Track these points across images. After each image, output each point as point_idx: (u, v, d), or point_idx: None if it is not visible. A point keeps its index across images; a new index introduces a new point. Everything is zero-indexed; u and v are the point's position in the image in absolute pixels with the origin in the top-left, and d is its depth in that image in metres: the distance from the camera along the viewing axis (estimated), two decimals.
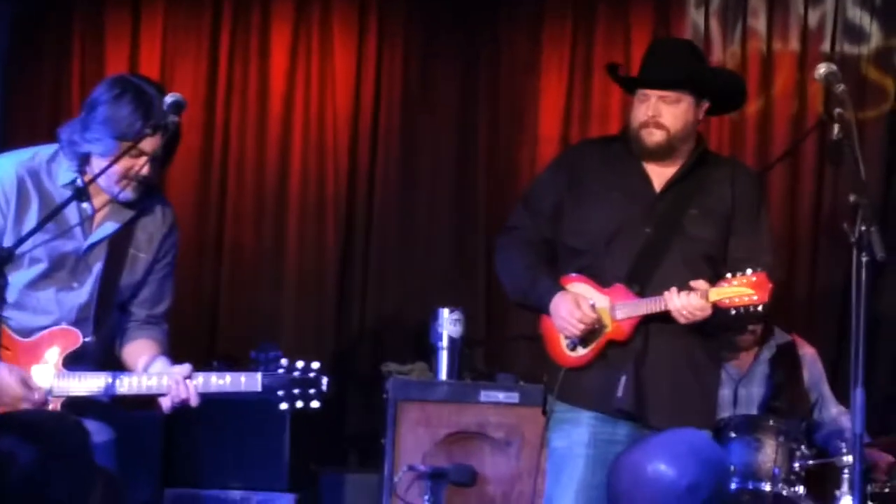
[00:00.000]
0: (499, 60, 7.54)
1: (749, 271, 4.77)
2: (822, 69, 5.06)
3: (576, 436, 5.00)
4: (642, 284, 4.95)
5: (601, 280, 5.00)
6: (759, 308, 4.80)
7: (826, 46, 7.36)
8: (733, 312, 4.81)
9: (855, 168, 4.91)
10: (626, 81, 5.14)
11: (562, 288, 5.01)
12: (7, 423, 3.10)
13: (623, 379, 4.95)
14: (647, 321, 4.93)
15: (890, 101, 7.34)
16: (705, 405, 5.14)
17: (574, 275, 5.05)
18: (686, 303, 4.80)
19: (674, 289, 4.81)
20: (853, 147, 4.89)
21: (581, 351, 5.01)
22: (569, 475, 4.98)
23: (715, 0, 7.45)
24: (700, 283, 4.80)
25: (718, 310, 4.79)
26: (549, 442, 5.09)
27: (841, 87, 4.99)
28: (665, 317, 4.89)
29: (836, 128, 4.94)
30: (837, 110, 4.93)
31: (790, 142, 7.14)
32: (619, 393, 4.94)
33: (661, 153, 5.04)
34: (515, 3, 7.54)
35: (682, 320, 4.84)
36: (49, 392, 4.65)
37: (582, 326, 4.91)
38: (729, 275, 4.80)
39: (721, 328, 5.12)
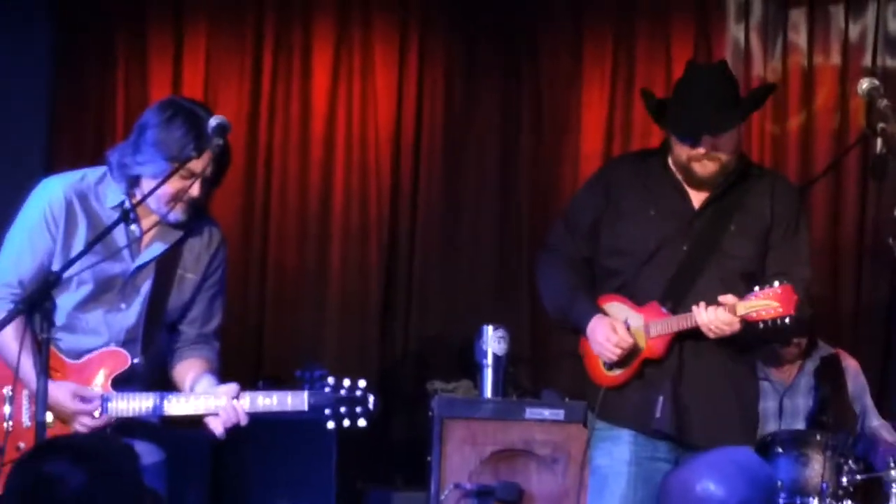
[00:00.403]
0: (540, 76, 7.54)
1: (776, 283, 4.76)
2: (864, 84, 5.07)
3: (617, 454, 5.01)
4: (676, 302, 4.95)
5: (637, 299, 5.01)
6: (787, 320, 4.78)
7: (868, 60, 7.33)
8: (761, 326, 4.79)
9: None
10: (681, 131, 5.00)
11: (599, 310, 5.04)
12: (57, 447, 3.13)
13: (661, 399, 4.96)
14: (681, 339, 4.94)
15: None
16: (745, 420, 5.14)
17: (611, 294, 5.06)
18: (713, 318, 4.80)
19: (702, 304, 4.82)
20: None
21: (618, 371, 5.03)
22: (611, 492, 5.00)
23: (755, 15, 7.43)
24: (728, 298, 4.79)
25: (747, 324, 4.79)
26: (592, 459, 5.10)
27: (884, 102, 5.00)
28: (698, 333, 4.90)
29: (879, 142, 4.96)
30: (881, 125, 4.94)
31: (833, 157, 7.12)
32: (658, 414, 4.95)
33: (713, 182, 5.03)
34: (555, 18, 7.54)
35: (711, 335, 4.84)
36: (104, 398, 4.68)
37: (619, 351, 4.93)
38: (757, 288, 4.79)
39: (757, 341, 5.10)
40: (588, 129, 7.46)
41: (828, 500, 5.89)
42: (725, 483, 3.07)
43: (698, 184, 5.03)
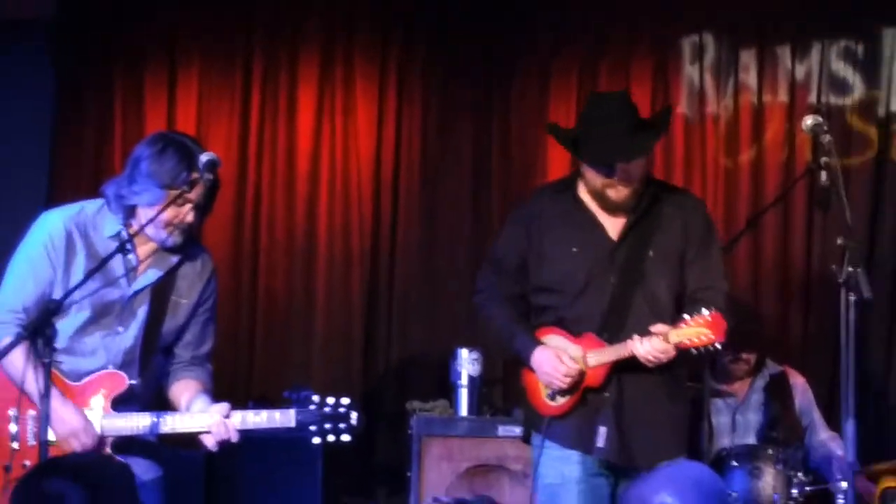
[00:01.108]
0: (510, 113, 7.55)
1: (705, 311, 4.75)
2: (808, 121, 5.11)
3: (567, 472, 4.99)
4: (612, 332, 4.93)
5: (573, 331, 4.99)
6: (717, 346, 4.79)
7: (813, 98, 7.34)
8: (694, 352, 4.80)
9: (842, 213, 4.96)
10: (599, 161, 4.94)
11: (539, 342, 5.01)
12: (58, 466, 3.14)
13: (604, 431, 4.94)
14: (619, 366, 4.92)
15: (873, 149, 7.32)
16: (677, 436, 5.12)
17: (547, 327, 5.04)
18: (650, 349, 4.79)
19: (636, 337, 4.80)
20: (840, 193, 4.94)
21: (560, 400, 5.00)
22: None
23: (708, 56, 7.45)
24: (660, 328, 4.80)
25: (680, 350, 4.79)
26: (540, 478, 5.07)
27: (827, 138, 5.04)
28: (635, 360, 4.89)
29: (823, 175, 5.00)
30: (824, 159, 4.98)
31: (781, 188, 7.14)
32: (601, 444, 4.94)
33: (626, 206, 5.01)
34: (525, 59, 7.56)
35: (649, 364, 4.84)
36: (101, 434, 4.69)
37: (568, 380, 4.91)
38: (686, 316, 4.79)
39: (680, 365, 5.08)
40: (553, 162, 7.44)
41: None
42: (680, 496, 3.09)
43: (613, 209, 5.00)
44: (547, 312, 5.05)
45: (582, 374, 4.91)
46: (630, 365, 4.89)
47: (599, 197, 4.99)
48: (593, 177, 4.96)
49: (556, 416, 4.99)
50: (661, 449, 4.96)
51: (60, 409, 4.54)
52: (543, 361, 4.95)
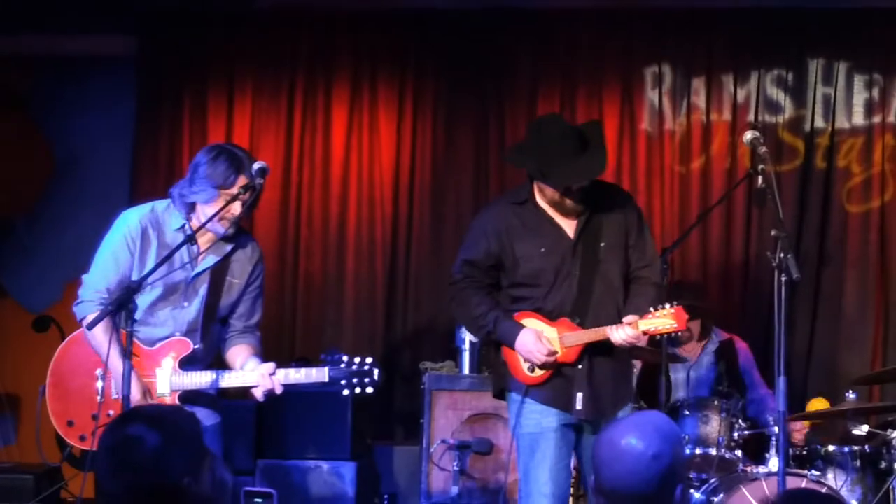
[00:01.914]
0: (504, 127, 7.48)
1: (668, 306, 4.79)
2: (748, 135, 5.07)
3: (545, 423, 4.93)
4: (581, 315, 4.90)
5: (549, 317, 4.93)
6: (679, 333, 4.94)
7: (751, 116, 7.29)
8: (658, 338, 4.89)
9: (775, 210, 4.92)
10: (563, 185, 4.82)
11: (521, 326, 4.93)
12: (136, 414, 3.12)
13: (580, 396, 4.90)
14: (588, 345, 4.91)
15: (800, 158, 7.28)
16: (628, 388, 5.15)
17: (525, 312, 4.97)
18: (625, 336, 4.79)
19: (612, 327, 4.80)
20: (773, 194, 4.90)
21: (539, 372, 4.95)
22: (542, 453, 4.92)
23: (666, 83, 7.39)
24: (630, 318, 4.79)
25: (649, 336, 4.82)
26: (520, 427, 4.97)
27: (763, 149, 5.00)
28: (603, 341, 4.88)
29: (759, 179, 4.96)
30: (761, 166, 4.94)
31: (725, 190, 7.10)
32: (579, 406, 4.90)
33: (578, 209, 4.93)
34: (516, 84, 7.50)
35: (624, 346, 4.85)
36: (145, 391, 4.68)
37: (549, 358, 4.87)
38: (652, 309, 4.79)
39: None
40: None
41: (723, 450, 5.88)
42: (643, 438, 3.06)
43: (569, 213, 4.94)
44: (525, 302, 4.98)
45: (555, 353, 4.87)
46: (598, 343, 4.89)
47: (558, 205, 4.92)
48: (553, 193, 4.88)
49: (534, 385, 4.95)
50: (619, 400, 4.99)
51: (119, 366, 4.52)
52: (527, 342, 4.88)
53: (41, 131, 7.76)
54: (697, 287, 6.88)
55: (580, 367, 4.91)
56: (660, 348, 5.85)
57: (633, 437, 3.07)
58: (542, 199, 4.97)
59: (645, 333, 4.79)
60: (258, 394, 4.74)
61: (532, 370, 4.94)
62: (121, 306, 4.36)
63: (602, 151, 4.93)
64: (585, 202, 4.94)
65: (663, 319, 4.79)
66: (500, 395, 5.15)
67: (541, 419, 4.93)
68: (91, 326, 4.57)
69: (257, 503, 3.25)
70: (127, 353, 4.36)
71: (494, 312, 4.98)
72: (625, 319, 4.80)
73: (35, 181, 7.76)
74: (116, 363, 4.48)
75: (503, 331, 4.95)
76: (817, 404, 6.33)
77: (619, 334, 4.79)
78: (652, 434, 3.08)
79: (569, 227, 4.97)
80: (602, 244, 4.96)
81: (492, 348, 5.20)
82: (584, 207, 4.95)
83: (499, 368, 5.09)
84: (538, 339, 4.86)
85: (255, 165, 4.69)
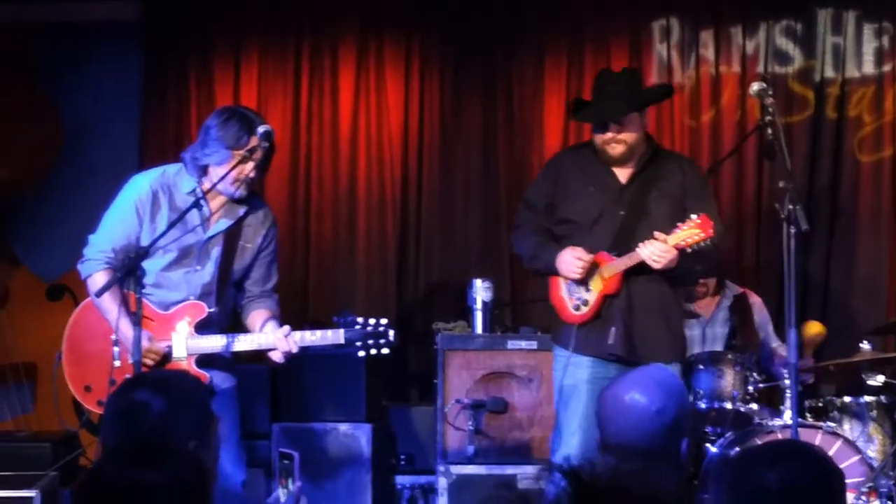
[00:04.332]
0: (511, 90, 7.51)
1: (693, 216, 4.81)
2: (755, 86, 5.10)
3: (579, 375, 5.06)
4: (620, 251, 4.99)
5: (589, 251, 5.03)
6: (708, 242, 4.84)
7: (761, 68, 7.30)
8: (690, 251, 4.86)
9: (783, 161, 4.95)
10: (585, 118, 5.15)
11: (561, 248, 5.08)
12: (143, 380, 3.15)
13: (613, 330, 4.99)
14: (628, 277, 4.96)
15: (811, 109, 7.30)
16: (674, 341, 5.20)
17: (568, 248, 5.08)
18: (654, 249, 4.85)
19: (642, 243, 4.88)
20: (781, 145, 4.93)
21: (584, 310, 5.06)
22: (574, 406, 5.04)
23: (674, 36, 7.40)
24: (659, 234, 4.86)
25: (679, 250, 4.84)
26: (560, 381, 5.14)
27: (770, 100, 5.03)
28: (644, 274, 4.92)
29: (768, 130, 4.98)
30: (768, 118, 4.97)
31: (735, 142, 7.12)
32: (611, 341, 4.99)
33: (623, 160, 5.05)
34: (523, 44, 7.52)
35: (655, 266, 4.89)
36: (167, 353, 4.72)
37: (581, 264, 4.97)
38: (679, 223, 4.85)
39: (686, 272, 5.13)
40: (549, 130, 7.44)
41: (738, 404, 5.93)
42: (647, 394, 3.11)
43: (613, 162, 5.06)
44: (567, 240, 5.12)
45: (595, 285, 4.96)
46: (640, 278, 4.96)
47: (602, 153, 5.06)
48: (595, 136, 5.07)
49: (581, 324, 5.05)
50: (658, 352, 5.01)
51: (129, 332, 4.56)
52: (563, 257, 5.03)
53: (49, 100, 7.79)
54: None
55: (618, 300, 5.00)
56: None
57: (636, 392, 3.11)
58: (595, 147, 5.14)
59: (676, 247, 4.84)
60: (276, 356, 4.78)
61: (577, 308, 5.05)
62: (129, 272, 4.40)
63: (632, 104, 5.04)
64: (643, 158, 5.09)
65: (690, 230, 4.83)
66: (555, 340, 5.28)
67: (575, 371, 5.06)
68: (99, 294, 4.61)
69: (286, 464, 3.31)
70: (137, 320, 4.40)
71: (543, 244, 5.16)
72: (655, 234, 4.88)
73: (45, 150, 7.80)
74: (126, 329, 4.51)
75: (546, 255, 5.11)
76: (813, 328, 6.41)
77: (648, 249, 4.86)
78: (655, 389, 3.12)
79: (622, 174, 5.12)
80: (654, 194, 5.08)
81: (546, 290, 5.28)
82: (640, 160, 5.08)
83: (554, 317, 5.21)
84: (572, 252, 5.00)
85: (260, 129, 4.72)
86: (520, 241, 5.30)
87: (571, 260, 5.00)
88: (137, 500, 2.38)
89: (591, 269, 5.05)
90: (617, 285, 4.99)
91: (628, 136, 5.03)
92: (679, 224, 4.86)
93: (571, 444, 4.98)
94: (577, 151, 5.33)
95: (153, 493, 2.39)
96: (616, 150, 5.03)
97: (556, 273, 5.12)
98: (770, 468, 2.43)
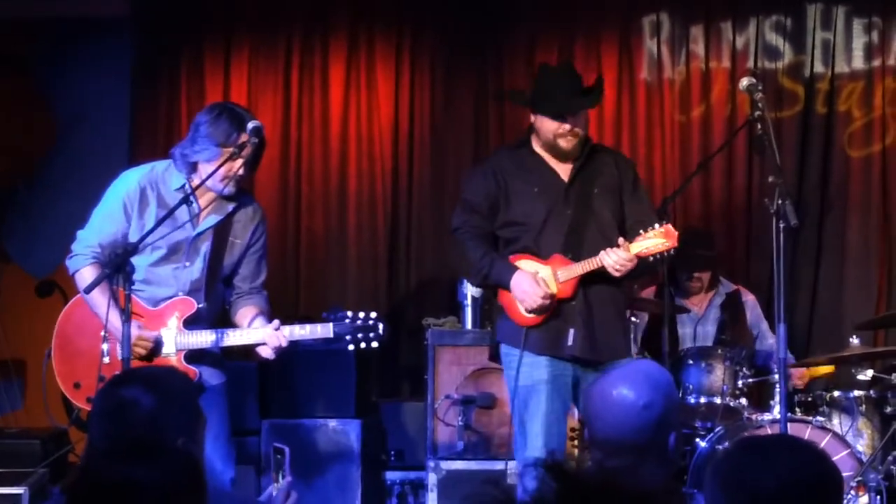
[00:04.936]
0: (502, 83, 7.50)
1: (657, 225, 4.79)
2: (744, 82, 5.11)
3: (537, 375, 4.95)
4: (574, 252, 4.94)
5: (540, 255, 4.97)
6: (672, 252, 4.82)
7: (751, 63, 7.30)
8: (651, 259, 4.82)
9: (773, 156, 4.96)
10: (554, 111, 4.98)
11: (515, 268, 4.96)
12: (132, 377, 3.15)
13: (572, 331, 4.94)
14: (583, 282, 4.92)
15: (801, 104, 7.30)
16: (626, 338, 5.21)
17: (517, 254, 5.01)
18: (617, 258, 4.79)
19: (604, 251, 4.81)
20: (770, 140, 4.94)
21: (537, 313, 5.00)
22: (535, 405, 4.95)
23: (664, 31, 7.41)
24: (622, 241, 4.80)
25: (640, 259, 4.81)
26: (513, 381, 5.00)
27: (760, 95, 5.03)
28: (596, 276, 4.89)
29: (758, 126, 4.99)
30: (757, 113, 4.98)
31: (725, 138, 7.12)
32: (570, 342, 4.93)
33: (572, 154, 5.02)
34: (514, 39, 7.53)
35: (616, 274, 4.84)
36: (158, 340, 4.71)
37: (545, 301, 4.89)
38: (642, 231, 4.81)
39: (642, 274, 5.12)
40: None
41: (728, 398, 5.94)
42: (635, 388, 3.09)
43: (563, 157, 5.02)
44: (516, 243, 5.04)
45: (553, 295, 4.90)
46: (592, 279, 4.91)
47: (552, 147, 5.01)
48: (548, 129, 4.99)
49: (533, 326, 4.96)
50: (617, 350, 5.01)
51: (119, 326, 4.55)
52: (521, 283, 4.91)
53: (40, 94, 7.77)
54: (708, 236, 6.86)
55: (574, 303, 4.94)
56: (662, 300, 5.92)
57: (624, 387, 3.10)
58: (537, 144, 5.07)
59: (638, 256, 4.79)
60: (266, 352, 4.78)
61: (530, 311, 4.96)
62: (117, 269, 4.40)
63: (596, 97, 5.09)
64: (582, 154, 5.04)
65: (654, 239, 4.78)
66: (494, 355, 5.19)
67: (532, 372, 4.95)
68: (88, 290, 4.61)
69: (278, 459, 3.31)
70: (127, 316, 4.40)
71: (490, 256, 5.03)
72: (619, 241, 4.82)
73: (36, 145, 7.79)
74: (117, 323, 4.51)
75: (498, 272, 4.98)
76: (822, 370, 6.35)
77: (611, 257, 4.80)
78: (643, 383, 3.11)
79: (563, 171, 5.05)
80: (595, 190, 5.03)
81: (491, 296, 5.24)
82: (580, 156, 5.04)
83: (501, 316, 5.10)
84: (533, 282, 4.89)
85: (250, 125, 4.71)
86: (461, 250, 5.11)
87: (532, 293, 4.86)
88: (131, 496, 2.37)
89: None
90: (573, 290, 4.93)
91: (582, 130, 5.01)
92: (641, 231, 4.82)
93: (536, 445, 4.90)
94: (513, 151, 5.18)
95: (147, 490, 2.38)
96: (571, 143, 4.98)
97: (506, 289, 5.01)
98: (768, 467, 2.43)
